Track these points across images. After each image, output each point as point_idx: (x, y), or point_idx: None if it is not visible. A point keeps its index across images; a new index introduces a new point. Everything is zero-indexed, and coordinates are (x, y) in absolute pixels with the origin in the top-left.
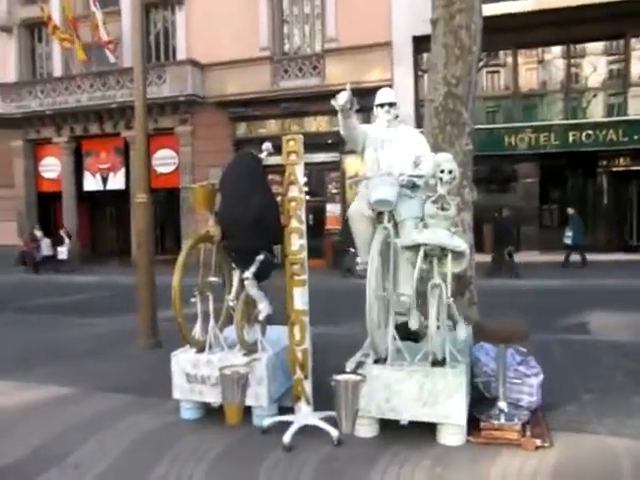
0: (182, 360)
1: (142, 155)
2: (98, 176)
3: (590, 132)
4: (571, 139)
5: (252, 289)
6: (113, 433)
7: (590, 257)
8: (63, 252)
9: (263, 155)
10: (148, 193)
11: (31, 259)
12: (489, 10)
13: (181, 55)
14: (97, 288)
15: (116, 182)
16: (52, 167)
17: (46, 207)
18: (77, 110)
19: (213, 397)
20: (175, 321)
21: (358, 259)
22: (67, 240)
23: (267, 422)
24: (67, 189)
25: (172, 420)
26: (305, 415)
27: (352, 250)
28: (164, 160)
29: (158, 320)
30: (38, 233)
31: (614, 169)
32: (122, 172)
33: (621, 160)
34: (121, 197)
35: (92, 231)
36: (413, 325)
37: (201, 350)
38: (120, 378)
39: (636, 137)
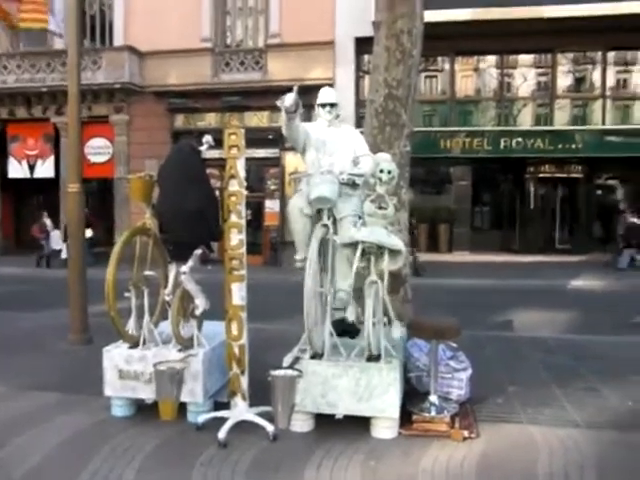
0: (115, 356)
1: (75, 143)
2: (25, 163)
3: (519, 139)
4: (502, 145)
5: (189, 284)
6: (42, 432)
7: (514, 259)
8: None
9: (203, 147)
10: (81, 183)
11: (39, 250)
12: (429, 17)
13: (118, 41)
14: (22, 281)
15: (44, 170)
16: None
17: None
18: (2, 92)
19: (146, 393)
20: (108, 315)
21: (296, 256)
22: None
23: (202, 418)
24: None
25: (103, 418)
26: (241, 411)
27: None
28: (97, 149)
29: (89, 315)
30: (48, 222)
31: (540, 175)
32: (51, 160)
33: (547, 167)
34: (50, 186)
35: (16, 221)
36: (350, 317)
37: (135, 345)
38: (49, 375)
39: (560, 146)
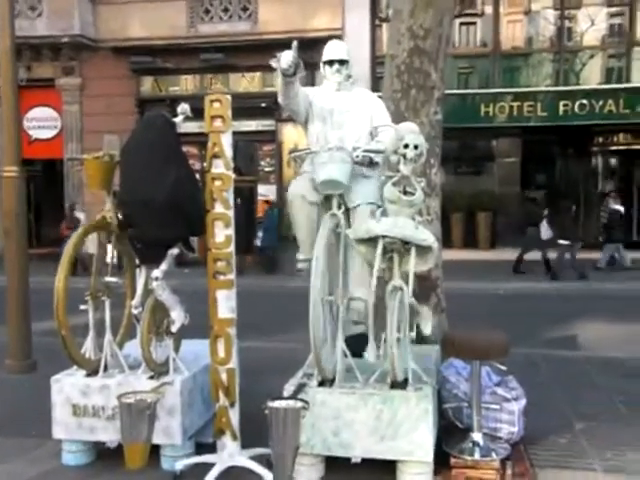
0: (67, 386)
1: (11, 114)
2: None
3: (584, 102)
4: (561, 110)
5: (162, 292)
6: None
7: (579, 257)
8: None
9: (178, 119)
10: (20, 165)
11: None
12: None
13: None
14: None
15: None
16: None
17: None
18: None
19: (108, 435)
20: (58, 334)
21: (298, 255)
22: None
23: (181, 465)
24: None
25: (51, 468)
26: (231, 454)
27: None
28: (41, 122)
29: (32, 334)
30: (80, 215)
31: (612, 148)
32: None
33: (621, 137)
34: None
35: None
36: (371, 357)
37: (93, 372)
38: None
39: (639, 109)
